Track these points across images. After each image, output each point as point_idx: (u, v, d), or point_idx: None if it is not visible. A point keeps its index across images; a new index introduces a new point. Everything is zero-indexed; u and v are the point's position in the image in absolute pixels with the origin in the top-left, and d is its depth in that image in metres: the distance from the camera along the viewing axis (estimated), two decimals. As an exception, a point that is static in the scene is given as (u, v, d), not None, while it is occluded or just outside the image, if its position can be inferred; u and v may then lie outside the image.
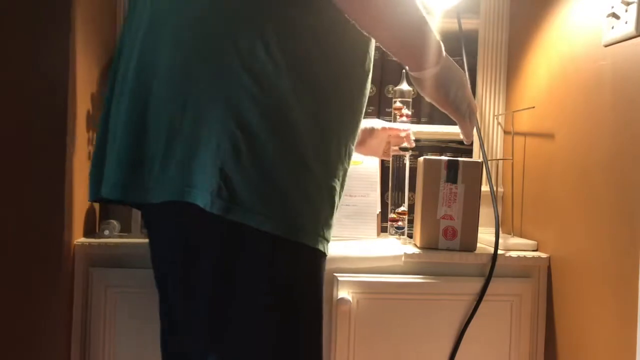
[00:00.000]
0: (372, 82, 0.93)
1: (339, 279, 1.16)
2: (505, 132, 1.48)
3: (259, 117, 0.73)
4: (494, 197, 1.31)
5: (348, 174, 0.87)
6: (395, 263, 1.20)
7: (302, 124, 0.76)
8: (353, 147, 0.88)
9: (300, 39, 0.77)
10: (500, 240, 1.23)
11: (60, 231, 1.09)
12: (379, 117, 1.52)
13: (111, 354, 1.14)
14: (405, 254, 1.20)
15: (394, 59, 0.89)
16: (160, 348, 0.90)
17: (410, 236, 1.34)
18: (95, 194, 0.87)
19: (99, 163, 0.85)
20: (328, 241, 0.82)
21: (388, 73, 1.51)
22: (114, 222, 1.21)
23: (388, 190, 1.44)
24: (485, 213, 1.35)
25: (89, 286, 1.14)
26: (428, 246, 1.22)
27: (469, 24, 1.47)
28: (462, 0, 1.34)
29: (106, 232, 1.19)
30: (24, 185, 1.08)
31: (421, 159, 1.25)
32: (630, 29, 0.96)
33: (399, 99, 1.36)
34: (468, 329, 1.19)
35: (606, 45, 1.04)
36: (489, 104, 1.50)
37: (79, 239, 1.16)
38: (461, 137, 1.04)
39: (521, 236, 1.36)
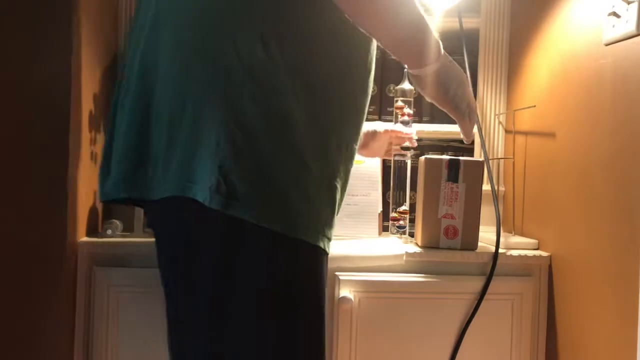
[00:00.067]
0: (374, 81, 0.93)
1: (341, 277, 1.16)
2: (506, 131, 1.48)
3: (258, 116, 0.74)
4: (495, 196, 1.31)
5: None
6: (396, 262, 1.21)
7: (302, 124, 0.77)
8: (356, 147, 0.89)
9: (300, 39, 0.77)
10: (501, 239, 1.23)
11: (63, 230, 1.09)
12: (380, 117, 1.52)
13: (114, 353, 1.14)
14: (406, 253, 1.20)
15: (394, 57, 0.89)
16: (167, 347, 0.91)
17: (411, 235, 1.34)
18: (105, 194, 0.88)
19: (108, 161, 0.86)
20: (329, 239, 0.83)
21: (389, 72, 1.52)
22: (117, 221, 1.22)
23: (389, 190, 1.44)
24: (486, 212, 1.35)
25: (92, 285, 1.14)
26: (429, 245, 1.22)
27: (470, 22, 1.47)
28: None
29: (109, 232, 1.20)
30: (27, 185, 1.08)
31: (422, 158, 1.25)
32: (631, 27, 0.96)
33: (401, 98, 1.37)
34: (469, 327, 1.19)
35: (607, 44, 1.05)
36: (490, 103, 1.50)
37: (82, 238, 1.17)
38: (461, 136, 1.04)
39: (522, 235, 1.36)
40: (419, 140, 1.42)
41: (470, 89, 0.98)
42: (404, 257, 1.21)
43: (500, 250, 1.21)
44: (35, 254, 1.08)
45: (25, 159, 1.08)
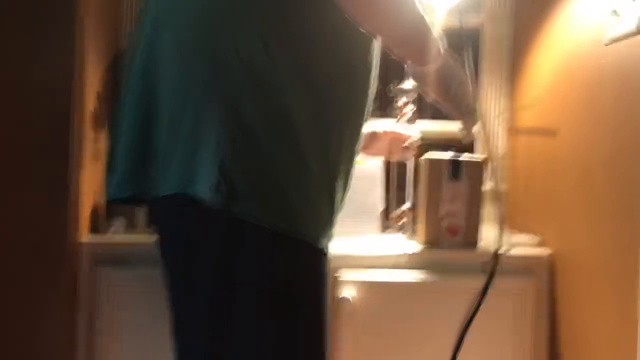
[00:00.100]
0: (376, 80, 0.93)
1: (342, 276, 1.17)
2: (509, 129, 1.48)
3: (258, 116, 0.74)
4: (496, 194, 1.31)
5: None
6: (398, 260, 1.21)
7: (302, 124, 0.77)
8: (357, 146, 0.89)
9: (301, 39, 0.77)
10: (503, 237, 1.23)
11: (65, 230, 1.10)
12: (382, 115, 1.52)
13: (116, 352, 1.14)
14: (408, 251, 1.20)
15: (395, 56, 0.89)
16: (172, 348, 0.91)
17: (413, 234, 1.34)
18: (110, 193, 0.88)
19: (112, 161, 0.86)
20: (329, 239, 0.83)
21: (392, 70, 1.51)
22: (119, 220, 1.22)
23: (391, 188, 1.44)
24: (488, 210, 1.35)
25: (95, 284, 1.14)
26: (431, 243, 1.22)
27: (472, 21, 1.47)
28: (465, -2, 1.34)
29: (111, 230, 1.20)
30: (28, 184, 1.08)
31: (424, 156, 1.25)
32: (632, 27, 0.96)
33: (403, 96, 1.36)
34: (471, 326, 1.19)
35: (608, 43, 1.04)
36: (492, 101, 1.50)
37: (85, 238, 1.17)
38: (461, 135, 1.04)
39: (524, 233, 1.36)
40: (420, 138, 1.41)
41: (470, 88, 0.98)
42: (406, 256, 1.21)
43: (502, 249, 1.21)
44: (37, 253, 1.08)
45: (26, 158, 1.08)
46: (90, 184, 1.19)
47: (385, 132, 1.30)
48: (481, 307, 1.19)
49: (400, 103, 1.36)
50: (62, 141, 1.09)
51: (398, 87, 1.37)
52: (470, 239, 1.22)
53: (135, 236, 1.22)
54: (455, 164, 1.21)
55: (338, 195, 0.83)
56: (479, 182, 1.22)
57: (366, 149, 1.30)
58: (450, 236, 1.22)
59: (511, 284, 1.21)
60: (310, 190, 0.78)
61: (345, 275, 1.17)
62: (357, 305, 1.17)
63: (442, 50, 0.88)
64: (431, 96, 0.95)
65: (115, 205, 1.30)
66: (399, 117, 1.37)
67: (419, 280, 1.19)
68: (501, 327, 1.21)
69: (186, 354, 0.83)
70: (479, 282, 1.20)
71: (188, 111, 0.75)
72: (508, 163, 1.48)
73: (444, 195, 1.21)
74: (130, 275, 1.15)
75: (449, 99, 0.94)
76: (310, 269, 0.81)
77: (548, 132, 1.27)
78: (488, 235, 1.30)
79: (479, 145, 1.49)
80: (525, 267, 1.24)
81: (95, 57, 1.22)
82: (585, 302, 1.11)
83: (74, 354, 1.15)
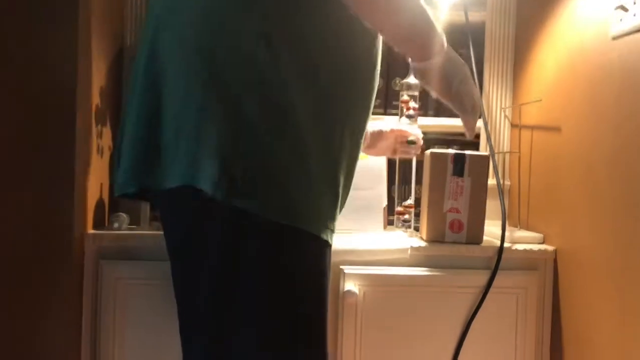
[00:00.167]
0: (379, 75, 0.93)
1: (346, 271, 1.17)
2: (512, 125, 1.48)
3: (260, 113, 0.74)
4: (500, 190, 1.31)
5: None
6: (401, 256, 1.21)
7: (304, 120, 0.77)
8: (361, 140, 0.89)
9: (303, 36, 0.77)
10: (507, 233, 1.23)
11: (70, 223, 1.10)
12: (385, 111, 1.52)
13: (121, 345, 1.15)
14: (411, 246, 1.21)
15: (398, 51, 0.89)
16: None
17: (416, 229, 1.35)
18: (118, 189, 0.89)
19: (120, 157, 0.87)
20: (332, 231, 0.83)
21: (395, 66, 1.51)
22: (123, 214, 1.23)
23: (394, 184, 1.44)
24: (492, 206, 1.35)
25: (99, 278, 1.15)
26: (434, 239, 1.23)
27: (476, 16, 1.46)
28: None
29: (115, 225, 1.20)
30: (34, 178, 1.09)
31: (428, 152, 1.25)
32: (639, 21, 0.96)
33: (406, 92, 1.36)
34: (474, 321, 1.19)
35: (614, 38, 1.04)
36: (496, 97, 1.49)
37: (89, 231, 1.17)
38: (464, 130, 1.04)
39: (527, 229, 1.36)
40: (424, 134, 1.41)
41: (473, 85, 0.98)
42: (409, 251, 1.21)
43: (505, 245, 1.21)
44: (42, 247, 1.09)
45: (32, 153, 1.09)
46: (95, 178, 1.20)
47: (391, 130, 1.30)
48: (484, 303, 1.20)
49: (404, 97, 1.36)
50: (68, 135, 1.10)
51: (404, 81, 1.37)
52: (473, 235, 1.22)
53: (140, 229, 1.22)
54: (459, 160, 1.21)
55: (340, 188, 0.84)
56: (483, 178, 1.22)
57: (371, 148, 1.30)
58: (453, 232, 1.22)
59: (514, 279, 1.22)
60: (312, 182, 0.78)
61: (350, 269, 1.17)
62: (361, 299, 1.17)
63: (445, 46, 0.88)
64: (433, 91, 0.95)
65: (119, 200, 1.31)
66: (402, 112, 1.37)
67: (422, 275, 1.19)
68: (504, 323, 1.21)
69: (192, 345, 0.84)
70: (482, 278, 1.20)
71: (190, 108, 0.75)
72: (512, 159, 1.48)
73: (447, 191, 1.21)
74: (135, 268, 1.15)
75: (452, 95, 0.94)
76: (313, 261, 0.81)
77: (552, 128, 1.27)
78: (492, 230, 1.30)
79: (482, 141, 1.49)
80: (528, 263, 1.24)
81: (100, 51, 1.22)
82: (588, 298, 1.12)
83: (77, 351, 1.15)
